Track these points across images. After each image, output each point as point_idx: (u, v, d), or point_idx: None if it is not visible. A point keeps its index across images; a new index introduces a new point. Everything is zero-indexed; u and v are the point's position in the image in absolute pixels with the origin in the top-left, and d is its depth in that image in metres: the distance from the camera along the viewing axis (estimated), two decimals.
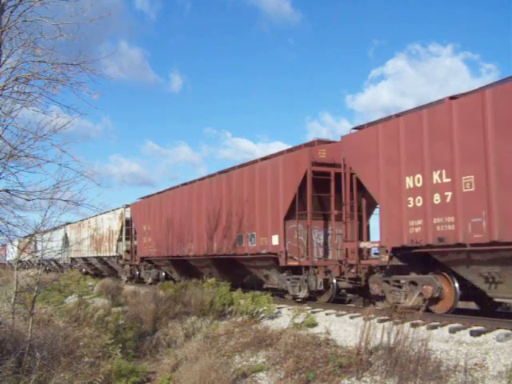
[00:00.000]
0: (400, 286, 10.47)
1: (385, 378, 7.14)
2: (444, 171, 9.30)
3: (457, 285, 9.64)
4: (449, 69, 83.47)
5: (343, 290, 13.66)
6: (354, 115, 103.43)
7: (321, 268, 12.60)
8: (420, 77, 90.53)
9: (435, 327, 9.02)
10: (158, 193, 22.50)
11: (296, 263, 13.05)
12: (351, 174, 11.80)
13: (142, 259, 23.25)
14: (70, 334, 9.78)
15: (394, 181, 10.34)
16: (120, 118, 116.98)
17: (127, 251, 25.71)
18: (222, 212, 16.23)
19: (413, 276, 10.35)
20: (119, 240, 26.38)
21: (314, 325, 10.29)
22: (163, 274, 22.42)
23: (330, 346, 8.78)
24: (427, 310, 10.06)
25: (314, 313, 11.35)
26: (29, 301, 9.18)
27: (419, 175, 9.81)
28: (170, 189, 21.40)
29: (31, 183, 8.53)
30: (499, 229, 8.35)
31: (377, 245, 10.85)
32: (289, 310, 12.25)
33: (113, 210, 27.07)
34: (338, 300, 13.21)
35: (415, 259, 10.29)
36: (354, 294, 13.81)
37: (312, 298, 13.11)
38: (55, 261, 37.07)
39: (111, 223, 27.49)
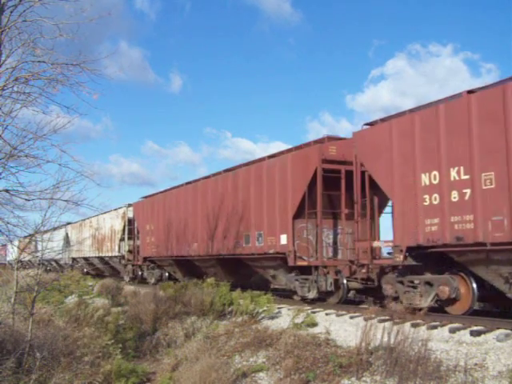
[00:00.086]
0: (415, 287, 10.16)
1: (385, 378, 7.17)
2: (462, 168, 9.02)
3: (475, 285, 9.36)
4: (449, 69, 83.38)
5: (352, 291, 13.36)
6: (354, 115, 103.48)
7: (331, 268, 12.30)
8: (420, 77, 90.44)
9: (435, 327, 9.05)
10: (162, 192, 22.27)
11: (305, 263, 12.77)
12: (362, 172, 11.49)
13: (145, 259, 23.02)
14: (69, 334, 9.81)
15: (408, 178, 10.06)
16: (120, 118, 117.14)
17: (130, 251, 25.47)
18: (227, 211, 15.95)
19: (428, 276, 10.07)
20: (122, 240, 26.18)
21: (314, 325, 10.30)
22: (166, 274, 22.20)
23: (330, 346, 8.80)
24: (443, 311, 9.77)
25: (313, 313, 11.39)
26: (29, 301, 9.20)
27: (436, 172, 9.51)
28: (173, 188, 21.17)
29: (31, 183, 8.61)
30: None
31: (391, 244, 10.54)
32: (289, 310, 12.28)
33: (115, 210, 26.86)
34: (349, 301, 12.91)
35: (430, 259, 9.99)
36: (362, 294, 13.52)
37: (321, 298, 12.80)
38: (56, 261, 36.78)
39: (113, 223, 27.24)
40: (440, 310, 10.14)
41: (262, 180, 14.42)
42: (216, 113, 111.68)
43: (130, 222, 25.59)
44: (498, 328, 8.39)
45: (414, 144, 10.00)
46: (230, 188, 16.00)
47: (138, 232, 24.39)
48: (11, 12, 7.91)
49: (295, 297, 13.64)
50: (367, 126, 11.64)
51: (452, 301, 9.71)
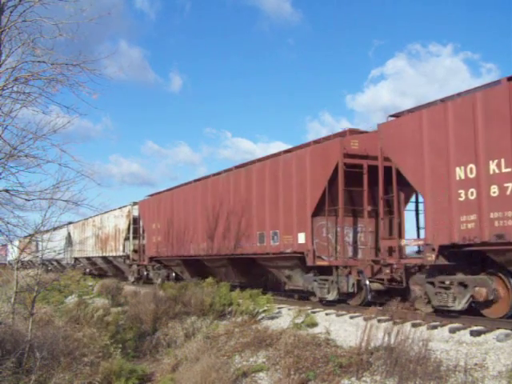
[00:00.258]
0: (447, 288, 9.53)
1: (385, 378, 7.27)
2: (503, 160, 8.42)
3: None
4: (449, 69, 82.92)
5: (372, 292, 12.72)
6: (354, 115, 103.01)
7: (353, 268, 11.68)
8: (420, 77, 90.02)
9: (435, 327, 9.13)
10: (169, 189, 21.73)
11: (326, 263, 12.21)
12: (385, 167, 10.88)
13: (151, 259, 22.57)
14: (69, 334, 10.00)
15: (441, 172, 9.48)
16: (120, 118, 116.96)
17: (135, 251, 25.02)
18: (239, 208, 15.39)
19: (462, 277, 9.44)
20: (126, 239, 25.71)
21: (314, 325, 10.42)
22: (173, 274, 21.69)
23: (330, 346, 8.93)
24: (478, 314, 9.17)
25: (314, 313, 11.48)
26: (29, 301, 9.37)
27: (472, 165, 8.92)
28: (181, 185, 20.70)
29: (31, 183, 8.75)
30: None
31: (421, 242, 9.92)
32: (289, 310, 12.40)
33: (119, 208, 26.42)
34: (371, 303, 12.28)
35: (463, 258, 9.37)
36: (383, 296, 12.89)
37: (341, 300, 12.19)
38: (57, 261, 36.15)
39: (118, 222, 26.73)
40: (470, 312, 9.55)
41: (277, 176, 13.87)
42: (216, 113, 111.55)
43: (135, 220, 25.15)
44: (498, 328, 8.44)
45: (447, 135, 9.41)
46: (243, 184, 15.45)
47: (143, 231, 23.95)
48: (11, 12, 8.04)
49: (312, 298, 13.11)
50: (392, 118, 11.03)
51: (489, 303, 9.12)
